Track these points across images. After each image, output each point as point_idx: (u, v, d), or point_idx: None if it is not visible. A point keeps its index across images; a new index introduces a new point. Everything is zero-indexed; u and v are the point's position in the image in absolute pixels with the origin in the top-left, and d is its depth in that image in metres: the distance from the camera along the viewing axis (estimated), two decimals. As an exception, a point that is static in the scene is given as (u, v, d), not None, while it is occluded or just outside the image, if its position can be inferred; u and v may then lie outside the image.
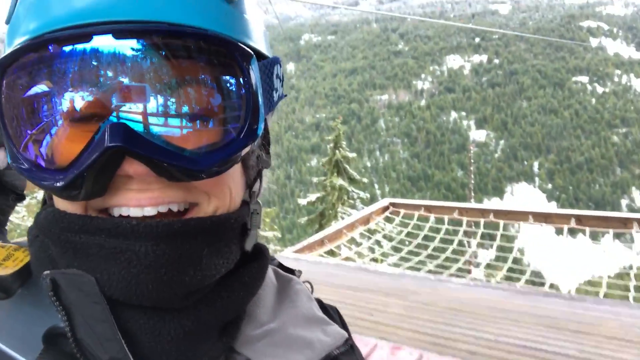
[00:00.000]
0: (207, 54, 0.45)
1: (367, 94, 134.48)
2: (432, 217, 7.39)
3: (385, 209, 7.89)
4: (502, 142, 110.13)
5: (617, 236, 6.57)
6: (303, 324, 0.57)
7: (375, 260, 7.27)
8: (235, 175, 0.51)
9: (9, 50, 0.44)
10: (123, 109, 0.42)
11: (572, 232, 6.64)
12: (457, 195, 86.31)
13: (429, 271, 5.91)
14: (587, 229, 6.56)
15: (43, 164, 0.44)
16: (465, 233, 7.26)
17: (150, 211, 0.45)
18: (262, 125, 0.47)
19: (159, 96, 0.43)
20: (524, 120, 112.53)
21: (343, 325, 0.63)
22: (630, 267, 6.50)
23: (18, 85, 0.44)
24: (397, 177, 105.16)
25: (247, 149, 0.47)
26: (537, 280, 7.02)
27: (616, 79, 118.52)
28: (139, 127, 0.42)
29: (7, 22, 0.47)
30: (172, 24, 0.43)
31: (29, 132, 0.44)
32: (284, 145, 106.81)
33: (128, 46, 0.41)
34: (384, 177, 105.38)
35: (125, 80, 0.42)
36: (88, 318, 0.44)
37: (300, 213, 18.69)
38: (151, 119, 0.43)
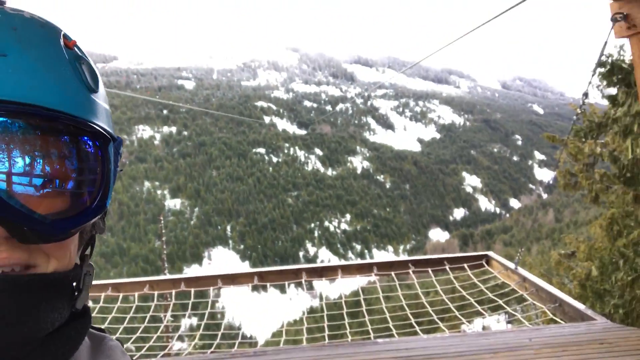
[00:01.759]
0: (74, 136, 0.50)
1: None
2: (120, 296, 6.81)
3: (64, 295, 6.85)
4: (196, 209, 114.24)
5: (297, 285, 7.49)
6: None
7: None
8: (74, 239, 0.55)
9: None
10: None
11: (264, 288, 7.23)
12: (155, 267, 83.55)
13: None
14: (269, 284, 7.21)
15: None
16: (159, 307, 6.96)
17: None
18: (110, 199, 0.53)
19: (23, 165, 0.46)
20: (215, 188, 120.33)
21: None
22: (304, 312, 7.46)
23: None
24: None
25: (96, 219, 0.53)
26: (231, 341, 7.24)
27: (286, 151, 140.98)
28: (1, 192, 0.44)
29: None
30: (48, 109, 0.47)
31: None
32: None
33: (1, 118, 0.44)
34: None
35: None
36: None
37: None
38: (14, 185, 0.45)
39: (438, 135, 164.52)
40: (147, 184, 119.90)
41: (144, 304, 6.82)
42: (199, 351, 5.95)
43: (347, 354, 4.21)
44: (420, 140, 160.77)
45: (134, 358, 5.27)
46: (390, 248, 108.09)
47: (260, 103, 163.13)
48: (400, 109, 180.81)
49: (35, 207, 0.47)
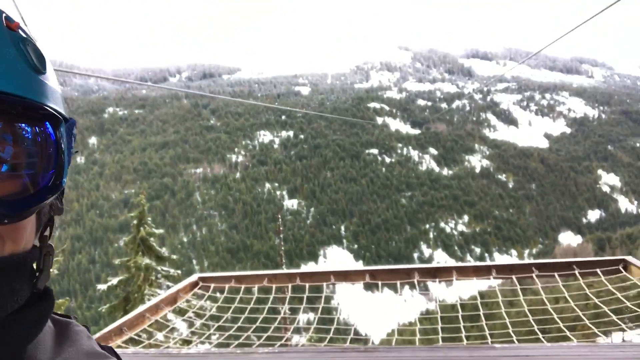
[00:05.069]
0: (25, 119, 0.50)
1: (181, 167, 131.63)
2: (242, 287, 7.29)
3: (195, 284, 7.50)
4: (312, 209, 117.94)
5: (411, 287, 7.40)
6: (85, 359, 0.60)
7: (187, 341, 6.76)
8: (30, 220, 0.55)
9: None
10: None
11: (379, 286, 7.26)
12: (275, 263, 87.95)
13: (240, 344, 5.72)
14: (380, 282, 7.19)
15: None
16: (277, 299, 7.32)
17: None
18: (65, 180, 0.53)
19: None
20: (329, 189, 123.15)
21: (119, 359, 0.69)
22: (420, 314, 7.34)
23: None
24: (216, 250, 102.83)
25: (50, 199, 0.53)
26: (344, 337, 7.36)
27: (399, 151, 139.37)
28: None
29: None
30: None
31: None
32: (87, 226, 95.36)
33: None
34: (202, 252, 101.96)
35: None
36: None
37: (107, 300, 16.39)
38: None
39: (568, 130, 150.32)
40: (267, 185, 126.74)
41: (263, 296, 7.23)
42: (313, 344, 6.15)
43: (462, 357, 4.05)
44: (547, 136, 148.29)
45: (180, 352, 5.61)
46: (514, 252, 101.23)
47: (372, 104, 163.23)
48: (525, 103, 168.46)
49: None
